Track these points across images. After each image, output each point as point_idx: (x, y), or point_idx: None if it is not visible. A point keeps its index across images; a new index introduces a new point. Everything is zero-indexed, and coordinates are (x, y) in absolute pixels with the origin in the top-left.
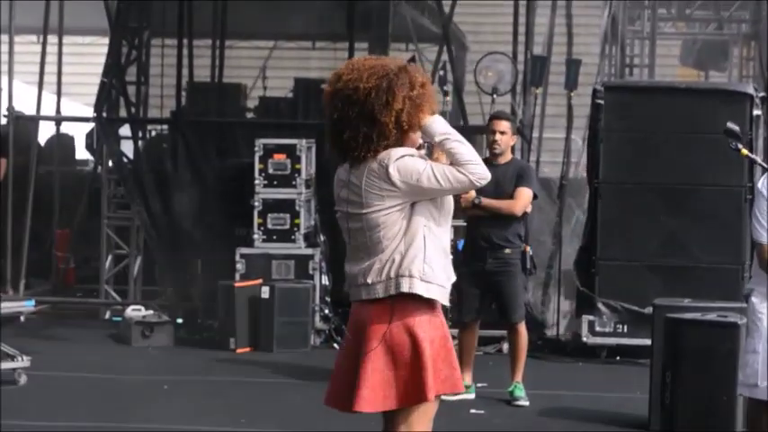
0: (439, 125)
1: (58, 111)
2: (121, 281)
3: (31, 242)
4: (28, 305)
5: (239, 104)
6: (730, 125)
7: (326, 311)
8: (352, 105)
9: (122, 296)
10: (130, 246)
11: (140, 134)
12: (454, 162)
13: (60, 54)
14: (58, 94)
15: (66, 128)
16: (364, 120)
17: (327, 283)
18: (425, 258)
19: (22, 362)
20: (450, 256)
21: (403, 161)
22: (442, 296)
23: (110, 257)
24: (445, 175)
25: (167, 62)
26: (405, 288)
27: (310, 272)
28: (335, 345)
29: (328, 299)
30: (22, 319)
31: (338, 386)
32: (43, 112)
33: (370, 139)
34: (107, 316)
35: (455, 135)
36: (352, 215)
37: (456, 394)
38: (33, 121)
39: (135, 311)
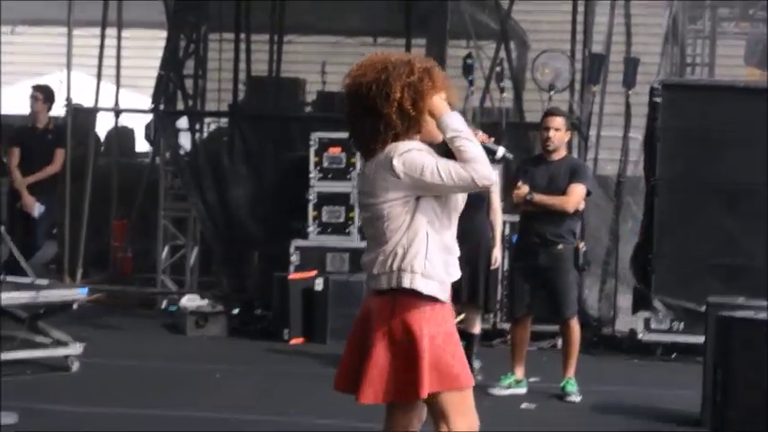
0: (452, 121)
1: (116, 103)
2: (178, 271)
3: (89, 232)
4: (81, 293)
5: (297, 99)
6: None
7: None
8: (358, 101)
9: (179, 286)
10: (187, 237)
11: (197, 127)
12: (460, 159)
13: (119, 47)
14: (117, 86)
15: (127, 120)
16: (370, 113)
17: None
18: (427, 254)
19: (75, 348)
20: (456, 254)
21: (409, 154)
22: (442, 292)
23: (166, 248)
24: (449, 172)
25: (225, 57)
26: (406, 283)
27: None
28: None
29: None
30: (75, 306)
31: (344, 371)
32: (103, 105)
33: (377, 132)
34: (163, 306)
35: (466, 133)
36: (363, 205)
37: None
38: (92, 112)
39: (190, 301)
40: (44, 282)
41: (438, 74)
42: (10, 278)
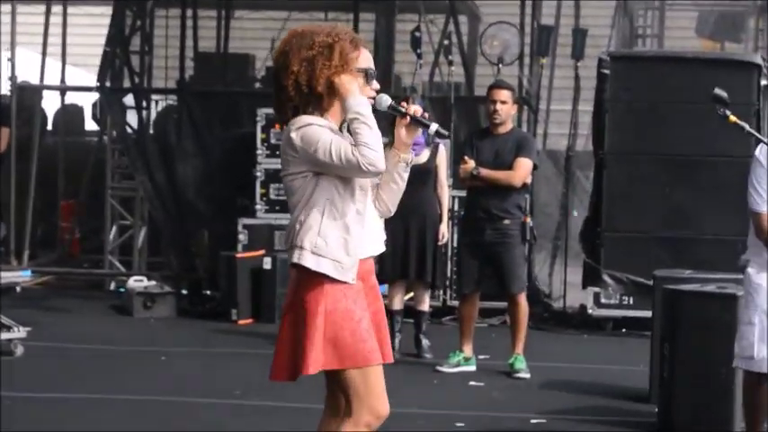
0: (354, 103)
1: (62, 81)
2: (127, 252)
3: (36, 213)
4: (24, 275)
5: (247, 75)
6: (718, 91)
7: None
8: (273, 72)
9: (128, 267)
10: (135, 216)
11: (144, 104)
12: (354, 142)
13: (65, 24)
14: (63, 63)
15: (76, 98)
16: (276, 85)
17: None
18: (320, 231)
19: (19, 332)
20: (372, 232)
21: (307, 129)
22: (337, 271)
23: (114, 228)
24: (339, 152)
25: (172, 33)
26: (295, 259)
27: None
28: None
29: None
30: (18, 289)
31: None
32: (50, 82)
33: (281, 103)
34: (112, 287)
35: (365, 117)
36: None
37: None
38: (37, 90)
39: (137, 282)
40: None
41: (343, 51)
42: None
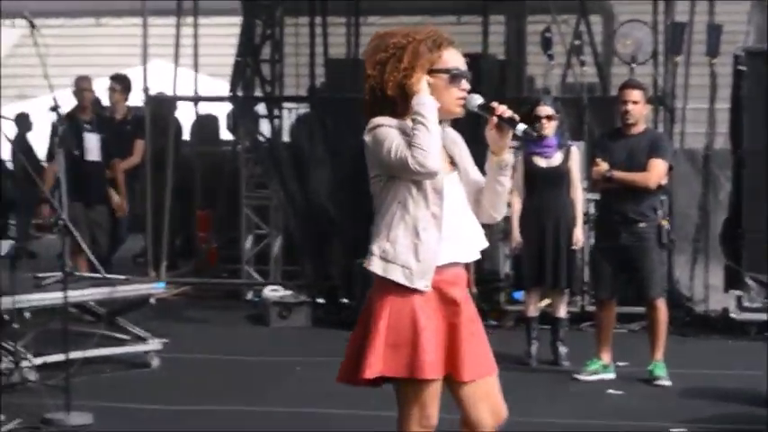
0: (415, 103)
1: (195, 91)
2: (264, 261)
3: (174, 224)
4: (158, 287)
5: None
6: None
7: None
8: None
9: (264, 276)
10: (270, 225)
11: (276, 113)
12: (410, 142)
13: (196, 34)
14: (195, 73)
15: (211, 108)
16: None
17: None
18: (389, 236)
19: (154, 344)
20: (448, 238)
21: (377, 130)
22: (405, 278)
23: (250, 238)
24: (396, 152)
25: (302, 41)
26: (366, 264)
27: None
28: None
29: None
30: (152, 301)
31: None
32: (183, 93)
33: (365, 106)
34: (249, 297)
35: (424, 119)
36: None
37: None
38: (171, 101)
39: (272, 292)
40: (120, 277)
41: (415, 52)
42: (85, 273)
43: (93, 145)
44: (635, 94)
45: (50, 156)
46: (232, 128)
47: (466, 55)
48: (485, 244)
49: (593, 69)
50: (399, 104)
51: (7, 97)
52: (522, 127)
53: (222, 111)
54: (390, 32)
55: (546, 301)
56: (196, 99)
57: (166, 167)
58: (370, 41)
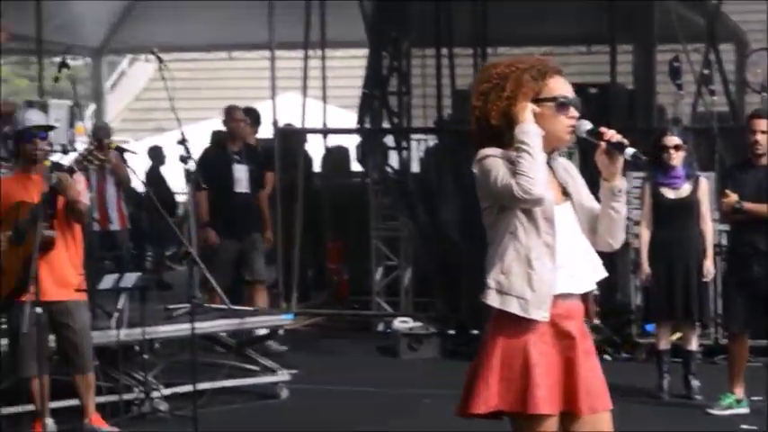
0: (517, 132)
1: (324, 123)
2: (394, 292)
3: (306, 256)
4: (287, 318)
5: None
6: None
7: (596, 321)
8: None
9: (395, 308)
10: (399, 257)
11: (404, 144)
12: (515, 170)
13: (324, 67)
14: (324, 105)
15: (341, 140)
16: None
17: (596, 292)
18: (503, 268)
19: (283, 375)
20: (563, 267)
21: (484, 161)
22: (522, 308)
23: (380, 269)
24: (501, 180)
25: (429, 72)
26: (483, 297)
27: None
28: (606, 356)
29: (597, 309)
30: (280, 332)
31: None
32: (312, 125)
33: (472, 137)
34: (380, 328)
35: (528, 147)
36: None
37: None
38: (300, 133)
39: (402, 323)
40: (249, 308)
41: (519, 81)
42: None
43: (242, 176)
44: (763, 124)
45: (197, 185)
46: (361, 159)
47: (594, 85)
48: (603, 275)
49: (724, 98)
50: (505, 134)
51: (146, 130)
52: (630, 151)
53: (352, 142)
54: (495, 63)
55: (678, 335)
56: (325, 131)
57: (295, 199)
58: (477, 73)
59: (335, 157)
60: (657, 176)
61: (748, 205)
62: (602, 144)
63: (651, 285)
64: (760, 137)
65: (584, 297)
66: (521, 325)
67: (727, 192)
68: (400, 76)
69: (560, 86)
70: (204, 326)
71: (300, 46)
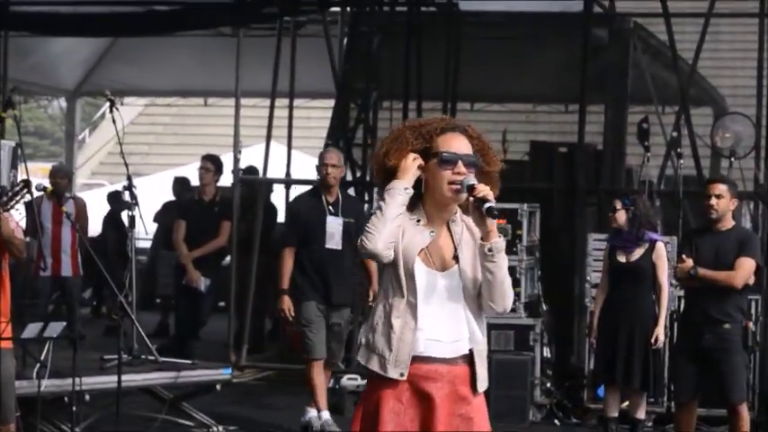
0: (386, 188)
1: (287, 173)
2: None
3: (263, 307)
4: (225, 373)
5: None
6: None
7: (548, 385)
8: None
9: (348, 364)
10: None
11: (367, 197)
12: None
13: (291, 117)
14: (288, 156)
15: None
16: None
17: (549, 355)
18: (372, 325)
19: (218, 430)
20: (414, 327)
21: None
22: (380, 366)
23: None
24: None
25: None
26: (356, 354)
27: (530, 343)
28: (556, 421)
29: (550, 372)
30: (218, 387)
31: None
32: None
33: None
34: (329, 384)
35: (383, 203)
36: None
37: None
38: (262, 183)
39: (350, 380)
40: (187, 361)
41: (393, 139)
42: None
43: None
44: (719, 188)
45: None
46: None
47: (563, 144)
48: (480, 346)
49: (687, 162)
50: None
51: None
52: (486, 205)
53: None
54: (405, 120)
55: (626, 403)
56: (287, 182)
57: (252, 250)
58: None
59: None
60: (614, 240)
61: (703, 271)
62: (471, 199)
63: (596, 349)
64: (714, 201)
65: (468, 363)
66: (381, 382)
67: (684, 257)
68: (366, 128)
69: (450, 143)
70: (137, 378)
71: (268, 95)
